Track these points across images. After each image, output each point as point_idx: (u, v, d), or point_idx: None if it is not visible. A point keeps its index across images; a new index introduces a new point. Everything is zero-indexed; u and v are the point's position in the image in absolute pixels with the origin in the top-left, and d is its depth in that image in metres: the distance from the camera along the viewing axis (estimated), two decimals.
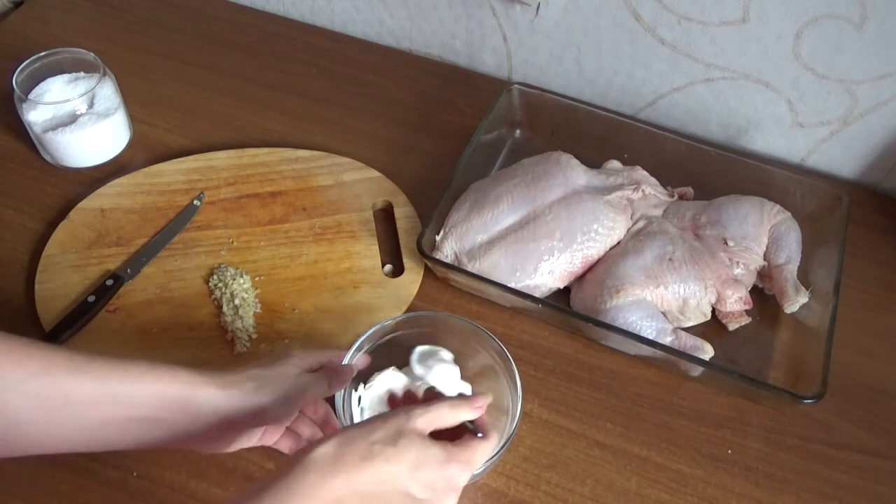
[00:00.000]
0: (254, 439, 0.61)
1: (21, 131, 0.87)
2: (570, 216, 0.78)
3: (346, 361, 0.64)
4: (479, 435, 0.55)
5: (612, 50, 0.94)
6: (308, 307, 0.77)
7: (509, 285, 0.75)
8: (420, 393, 0.66)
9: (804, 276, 0.78)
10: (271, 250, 0.81)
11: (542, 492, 0.67)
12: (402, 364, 0.70)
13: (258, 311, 0.76)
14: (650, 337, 0.72)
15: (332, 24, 1.08)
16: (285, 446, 0.63)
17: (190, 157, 0.88)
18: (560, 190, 0.81)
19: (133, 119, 0.91)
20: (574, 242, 0.77)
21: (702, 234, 0.80)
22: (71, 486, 0.64)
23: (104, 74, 0.86)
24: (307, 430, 0.64)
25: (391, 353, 0.69)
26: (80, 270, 0.78)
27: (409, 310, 0.77)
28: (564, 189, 0.81)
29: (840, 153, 0.93)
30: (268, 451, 0.65)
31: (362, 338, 0.65)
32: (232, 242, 0.81)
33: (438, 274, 0.79)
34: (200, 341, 0.74)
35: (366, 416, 0.66)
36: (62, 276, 0.77)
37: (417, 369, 0.66)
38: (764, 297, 0.80)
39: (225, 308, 0.75)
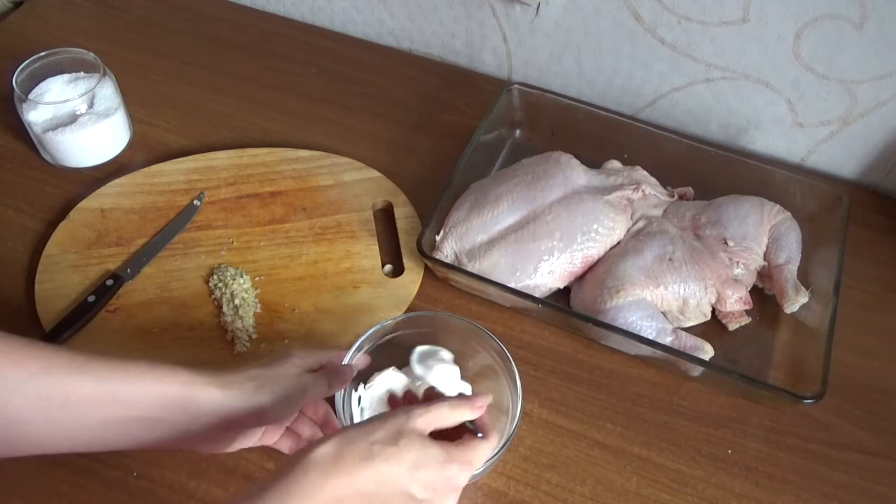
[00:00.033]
0: (254, 439, 0.61)
1: (21, 131, 0.87)
2: (570, 216, 0.78)
3: (346, 361, 0.64)
4: (480, 435, 0.55)
5: (612, 50, 0.94)
6: (308, 307, 0.77)
7: (509, 285, 0.75)
8: (420, 393, 0.66)
9: (804, 276, 0.78)
10: (271, 250, 0.81)
11: (542, 492, 0.67)
12: (402, 364, 0.70)
13: (258, 311, 0.76)
14: (650, 337, 0.72)
15: (332, 24, 1.08)
16: (285, 446, 0.63)
17: (190, 157, 0.88)
18: (560, 190, 0.81)
19: (133, 119, 0.91)
20: (574, 242, 0.77)
21: (702, 234, 0.80)
22: (71, 486, 0.64)
23: (104, 74, 0.86)
24: (307, 430, 0.64)
25: (391, 353, 0.69)
26: (80, 270, 0.78)
27: (409, 310, 0.77)
28: (564, 189, 0.81)
29: (840, 153, 0.93)
30: (268, 451, 0.65)
31: (362, 338, 0.65)
32: (232, 242, 0.81)
33: (438, 274, 0.79)
34: (200, 341, 0.74)
35: (366, 416, 0.66)
36: (62, 276, 0.77)
37: (417, 369, 0.66)
38: (764, 297, 0.80)
39: (225, 308, 0.75)
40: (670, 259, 0.76)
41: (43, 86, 0.86)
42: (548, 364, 0.75)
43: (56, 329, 0.72)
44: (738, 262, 0.78)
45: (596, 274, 0.77)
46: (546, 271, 0.76)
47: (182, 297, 0.77)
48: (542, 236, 0.77)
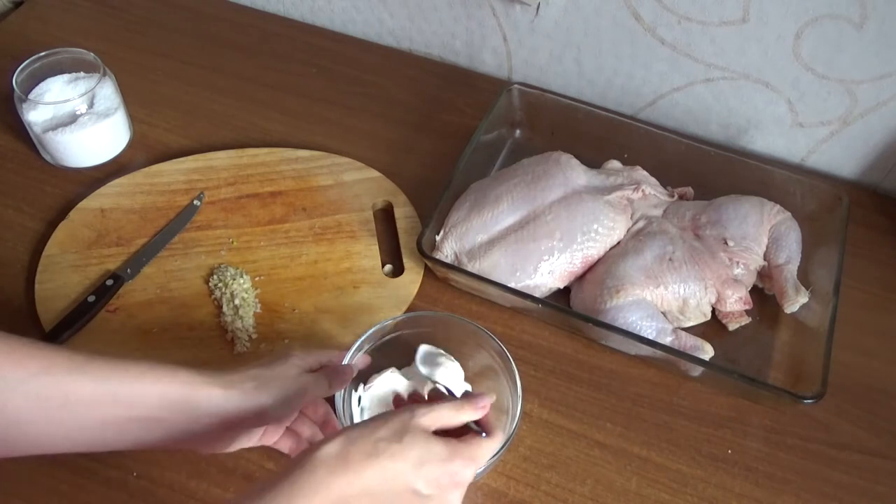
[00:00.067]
0: (254, 439, 0.61)
1: (21, 131, 0.87)
2: (570, 216, 0.78)
3: (346, 361, 0.64)
4: (483, 435, 0.55)
5: (612, 50, 0.94)
6: (308, 307, 0.77)
7: (509, 285, 0.75)
8: (425, 393, 0.66)
9: (804, 276, 0.78)
10: (271, 250, 0.81)
11: (542, 492, 0.67)
12: (403, 364, 0.70)
13: (258, 311, 0.76)
14: (650, 337, 0.72)
15: (332, 24, 1.08)
16: (285, 446, 0.63)
17: (190, 157, 0.88)
18: (560, 190, 0.81)
19: (133, 119, 0.91)
20: (574, 242, 0.77)
21: (702, 234, 0.80)
22: (71, 486, 0.64)
23: (104, 74, 0.86)
24: (307, 430, 0.64)
25: (391, 353, 0.69)
26: (80, 270, 0.78)
27: (409, 310, 0.77)
28: (564, 189, 0.81)
29: (840, 153, 0.93)
30: (268, 451, 0.65)
31: (362, 338, 0.65)
32: (232, 242, 0.81)
33: (438, 274, 0.79)
34: (200, 341, 0.74)
35: (366, 416, 0.66)
36: (62, 276, 0.77)
37: (423, 369, 0.66)
38: (764, 297, 0.80)
39: (225, 308, 0.75)
40: (670, 259, 0.76)
41: (43, 86, 0.86)
42: (548, 364, 0.75)
43: (56, 329, 0.72)
44: (738, 262, 0.78)
45: (596, 274, 0.77)
46: (546, 271, 0.76)
47: (182, 297, 0.77)
48: (542, 236, 0.77)
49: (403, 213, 0.84)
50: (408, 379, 0.68)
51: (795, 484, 0.69)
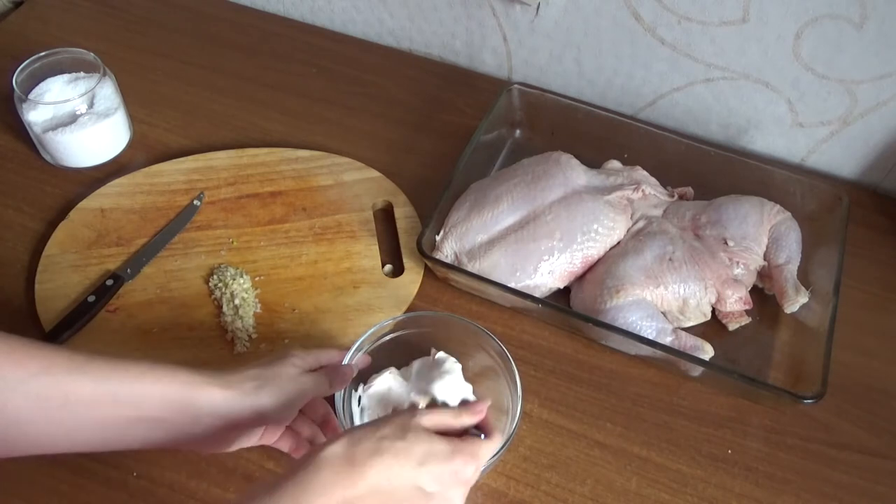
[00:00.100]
0: (254, 439, 0.61)
1: (21, 131, 0.87)
2: (570, 216, 0.78)
3: (346, 361, 0.64)
4: (483, 437, 0.55)
5: (612, 50, 0.94)
6: (308, 307, 0.77)
7: (509, 285, 0.75)
8: (423, 405, 0.66)
9: (804, 276, 0.78)
10: (271, 250, 0.81)
11: (542, 492, 0.67)
12: (402, 364, 0.70)
13: (258, 311, 0.76)
14: (650, 337, 0.72)
15: (332, 24, 1.08)
16: (285, 446, 0.63)
17: (190, 157, 0.88)
18: (560, 190, 0.81)
19: (133, 119, 0.91)
20: (574, 242, 0.77)
21: (702, 234, 0.80)
22: (71, 486, 0.64)
23: (104, 74, 0.86)
24: (307, 430, 0.64)
25: (391, 353, 0.69)
26: (80, 270, 0.78)
27: (409, 310, 0.77)
28: (564, 189, 0.81)
29: (840, 153, 0.93)
30: (268, 451, 0.65)
31: (362, 338, 0.65)
32: (232, 242, 0.81)
33: (438, 274, 0.79)
34: (200, 341, 0.74)
35: (366, 416, 0.66)
36: (62, 276, 0.77)
37: (418, 384, 0.65)
38: (764, 297, 0.80)
39: (225, 308, 0.75)
40: (670, 259, 0.76)
41: (43, 86, 0.86)
42: (548, 364, 0.75)
43: (56, 329, 0.72)
44: (738, 262, 0.78)
45: (596, 274, 0.77)
46: (546, 271, 0.76)
47: (182, 297, 0.77)
48: (542, 236, 0.77)
49: (403, 213, 0.84)
50: (407, 380, 0.68)
51: (795, 484, 0.69)
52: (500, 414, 0.65)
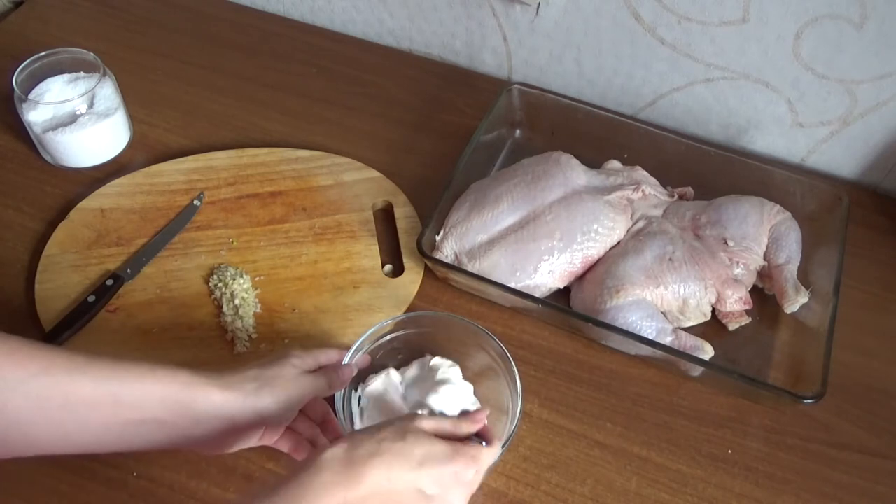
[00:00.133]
0: (254, 440, 0.61)
1: (21, 131, 0.87)
2: (570, 216, 0.78)
3: (346, 361, 0.64)
4: (483, 444, 0.55)
5: (612, 50, 0.94)
6: (308, 307, 0.77)
7: (509, 285, 0.75)
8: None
9: (804, 276, 0.78)
10: (271, 250, 0.81)
11: (542, 492, 0.67)
12: (402, 364, 0.70)
13: (258, 311, 0.76)
14: (650, 337, 0.72)
15: (332, 24, 1.08)
16: (285, 446, 0.63)
17: (190, 157, 0.88)
18: (560, 190, 0.81)
19: (133, 119, 0.91)
20: (574, 242, 0.77)
21: (702, 234, 0.80)
22: (71, 486, 0.64)
23: (104, 74, 0.86)
24: (307, 430, 0.64)
25: (391, 353, 0.69)
26: (80, 270, 0.78)
27: (409, 310, 0.77)
28: (564, 189, 0.81)
29: (840, 153, 0.93)
30: (268, 451, 0.65)
31: (362, 338, 0.65)
32: (232, 242, 0.81)
33: (438, 274, 0.79)
34: (200, 341, 0.74)
35: (366, 416, 0.66)
36: (62, 276, 0.77)
37: (415, 402, 0.65)
38: (764, 297, 0.80)
39: (225, 308, 0.75)
40: (670, 259, 0.76)
41: (43, 86, 0.86)
42: (548, 364, 0.75)
43: (56, 329, 0.72)
44: (738, 262, 0.78)
45: (596, 274, 0.77)
46: (546, 271, 0.76)
47: (182, 297, 0.77)
48: (542, 236, 0.77)
49: (403, 213, 0.84)
50: (406, 381, 0.68)
51: (795, 484, 0.69)
52: (500, 414, 0.65)
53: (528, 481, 0.67)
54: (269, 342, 0.74)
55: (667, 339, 0.73)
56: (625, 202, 0.81)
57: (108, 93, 0.86)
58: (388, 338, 0.68)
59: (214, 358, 0.72)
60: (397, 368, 0.69)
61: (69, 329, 0.72)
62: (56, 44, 0.88)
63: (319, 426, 0.65)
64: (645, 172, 0.85)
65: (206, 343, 0.74)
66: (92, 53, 0.87)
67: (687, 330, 0.76)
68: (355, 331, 0.73)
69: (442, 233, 0.79)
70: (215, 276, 0.77)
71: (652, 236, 0.78)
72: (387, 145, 0.93)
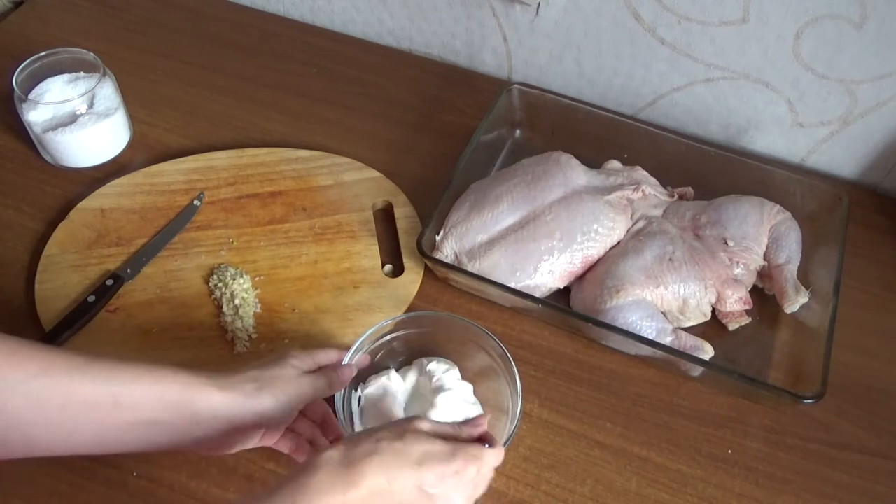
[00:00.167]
0: (253, 440, 0.61)
1: (21, 131, 0.87)
2: (570, 216, 0.78)
3: (346, 361, 0.64)
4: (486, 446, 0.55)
5: (612, 50, 0.94)
6: (308, 307, 0.77)
7: (509, 285, 0.75)
8: None
9: (804, 276, 0.78)
10: (271, 250, 0.81)
11: (542, 492, 0.67)
12: (402, 364, 0.70)
13: (258, 311, 0.76)
14: (650, 337, 0.72)
15: (332, 24, 1.08)
16: (285, 447, 0.63)
17: (190, 157, 0.88)
18: (560, 190, 0.81)
19: (133, 119, 0.91)
20: (574, 242, 0.77)
21: (702, 234, 0.80)
22: (71, 486, 0.64)
23: (104, 74, 0.86)
24: (307, 431, 0.64)
25: (391, 353, 0.69)
26: (80, 270, 0.78)
27: (409, 310, 0.77)
28: (564, 189, 0.81)
29: (840, 153, 0.93)
30: (268, 452, 0.65)
31: (362, 338, 0.65)
32: (232, 242, 0.81)
33: (438, 274, 0.79)
34: (200, 341, 0.74)
35: (365, 417, 0.66)
36: (62, 276, 0.77)
37: (411, 408, 0.65)
38: (764, 297, 0.80)
39: (225, 308, 0.75)
40: (670, 259, 0.76)
41: (43, 86, 0.86)
42: (548, 364, 0.75)
43: (56, 329, 0.72)
44: (738, 262, 0.78)
45: (596, 274, 0.77)
46: (546, 271, 0.76)
47: (182, 297, 0.77)
48: (542, 236, 0.77)
49: (403, 213, 0.84)
50: (405, 382, 0.68)
51: (795, 484, 0.69)
52: (500, 414, 0.65)
53: (528, 481, 0.67)
54: (269, 342, 0.74)
55: (667, 339, 0.73)
56: (625, 202, 0.81)
57: (108, 93, 0.86)
58: (388, 338, 0.68)
59: (214, 358, 0.72)
60: (397, 369, 0.69)
61: (69, 329, 0.72)
62: (56, 44, 0.88)
63: (319, 427, 0.65)
64: (645, 172, 0.85)
65: (206, 343, 0.74)
66: (92, 53, 0.87)
67: (687, 330, 0.76)
68: (355, 331, 0.73)
69: (442, 233, 0.79)
70: (215, 276, 0.77)
71: (652, 236, 0.78)
72: (387, 145, 0.93)
